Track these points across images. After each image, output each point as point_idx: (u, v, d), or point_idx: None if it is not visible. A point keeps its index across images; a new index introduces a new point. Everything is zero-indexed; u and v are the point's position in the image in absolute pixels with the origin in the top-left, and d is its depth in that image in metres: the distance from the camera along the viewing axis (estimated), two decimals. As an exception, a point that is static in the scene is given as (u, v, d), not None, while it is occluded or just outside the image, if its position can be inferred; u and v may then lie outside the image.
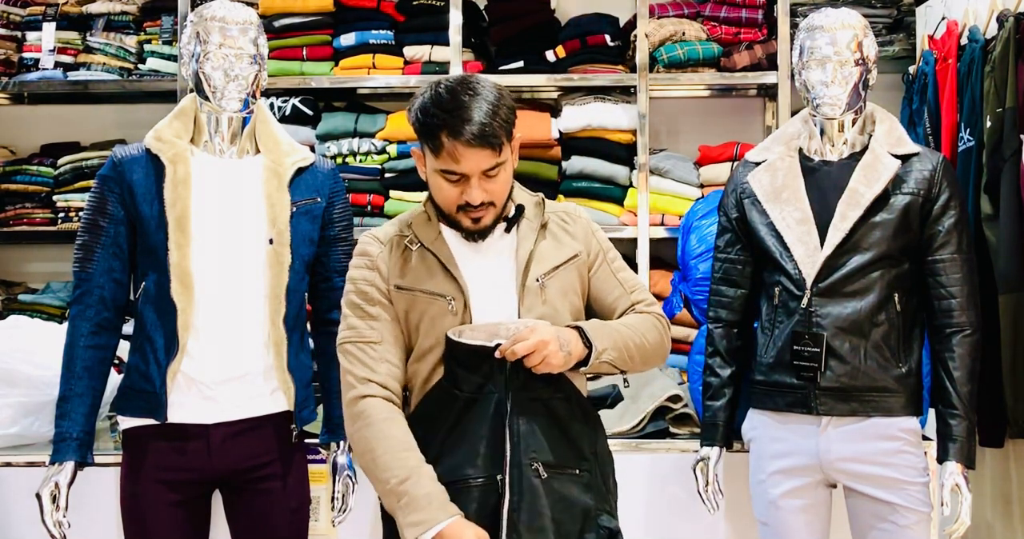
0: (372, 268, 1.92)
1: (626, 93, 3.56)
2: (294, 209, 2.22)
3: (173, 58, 3.59)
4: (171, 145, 2.17)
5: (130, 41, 3.70)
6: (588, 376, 2.05)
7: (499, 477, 1.79)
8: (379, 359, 1.88)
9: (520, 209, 1.94)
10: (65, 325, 2.23)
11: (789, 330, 2.23)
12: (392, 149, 3.52)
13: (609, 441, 2.65)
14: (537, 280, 1.89)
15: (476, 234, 1.90)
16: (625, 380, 2.78)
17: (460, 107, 1.78)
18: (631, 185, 3.47)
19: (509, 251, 1.92)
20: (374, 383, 1.87)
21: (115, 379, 2.27)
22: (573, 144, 3.50)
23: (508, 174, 1.87)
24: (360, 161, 3.52)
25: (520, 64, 3.53)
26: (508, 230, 1.93)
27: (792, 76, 2.58)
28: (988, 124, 2.73)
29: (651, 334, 1.94)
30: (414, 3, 3.55)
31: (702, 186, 3.47)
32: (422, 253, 1.91)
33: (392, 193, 3.52)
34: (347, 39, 3.52)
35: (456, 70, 3.43)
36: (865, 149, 2.28)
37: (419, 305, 1.89)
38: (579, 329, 1.85)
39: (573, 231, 1.99)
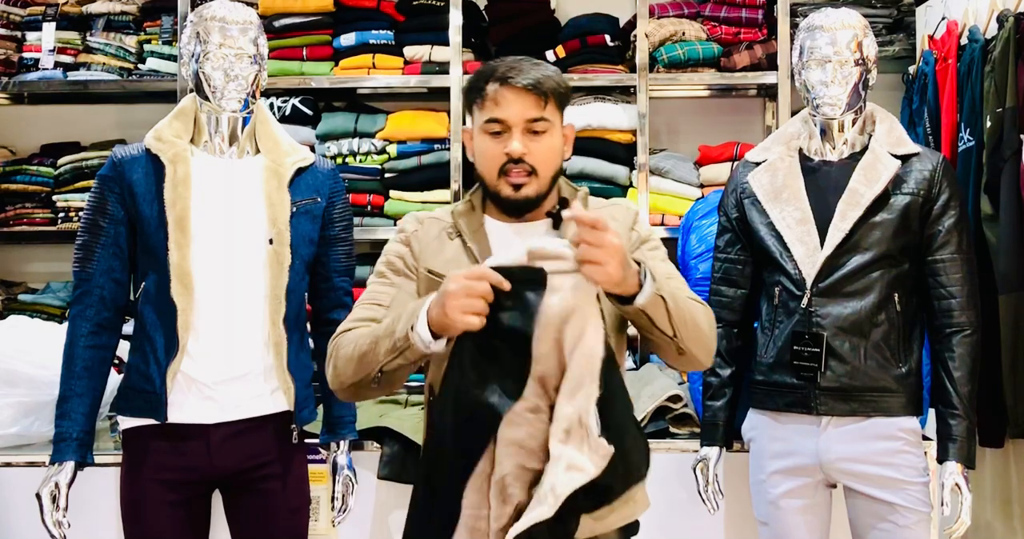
0: (405, 243, 1.87)
1: (626, 93, 3.56)
2: (294, 209, 2.22)
3: (173, 58, 3.59)
4: (171, 145, 2.17)
5: (130, 41, 3.69)
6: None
7: None
8: (381, 318, 1.77)
9: (563, 203, 1.83)
10: (65, 325, 2.23)
11: (789, 330, 2.23)
12: (392, 149, 3.51)
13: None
14: None
15: (517, 207, 1.80)
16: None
17: (514, 63, 1.78)
18: (631, 185, 3.47)
19: None
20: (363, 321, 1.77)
21: (115, 379, 2.27)
22: (573, 144, 3.49)
23: (555, 142, 1.81)
24: (360, 161, 3.51)
25: (520, 64, 3.52)
26: (556, 226, 1.81)
27: (792, 76, 2.58)
28: (988, 124, 2.73)
29: (700, 314, 1.73)
30: (414, 3, 3.55)
31: (702, 186, 3.47)
32: (461, 244, 1.84)
33: (392, 193, 3.51)
34: (347, 39, 3.52)
35: (456, 70, 3.43)
36: (865, 149, 2.28)
37: None
38: (637, 262, 1.63)
39: (616, 228, 1.72)
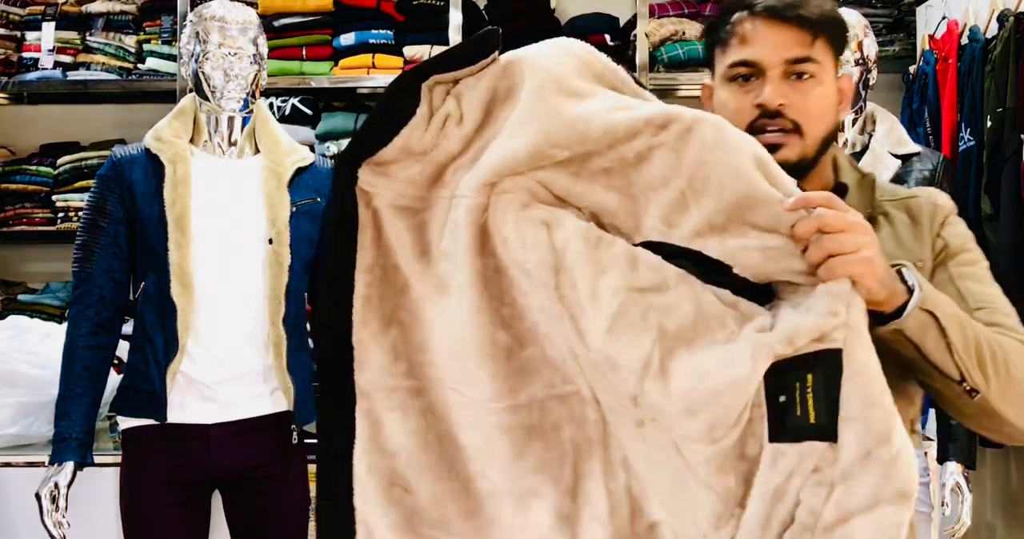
0: None
1: (626, 93, 3.56)
2: (294, 209, 2.22)
3: (173, 58, 3.59)
4: (171, 145, 2.17)
5: (129, 41, 3.69)
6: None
7: None
8: None
9: (842, 188, 1.35)
10: (65, 325, 2.23)
11: (789, 330, 2.22)
12: (392, 149, 3.52)
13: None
14: None
15: None
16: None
17: None
18: (631, 185, 3.46)
19: None
20: None
21: (115, 379, 2.27)
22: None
23: (825, 92, 1.31)
24: (360, 161, 3.52)
25: (520, 64, 3.53)
26: None
27: (792, 76, 2.58)
28: (988, 124, 2.73)
29: (1017, 356, 1.24)
30: (414, 3, 3.55)
31: (702, 186, 3.47)
32: None
33: (392, 193, 3.52)
34: (347, 39, 3.52)
35: (456, 70, 3.43)
36: (865, 149, 2.28)
37: None
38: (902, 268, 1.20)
39: (917, 230, 1.39)
